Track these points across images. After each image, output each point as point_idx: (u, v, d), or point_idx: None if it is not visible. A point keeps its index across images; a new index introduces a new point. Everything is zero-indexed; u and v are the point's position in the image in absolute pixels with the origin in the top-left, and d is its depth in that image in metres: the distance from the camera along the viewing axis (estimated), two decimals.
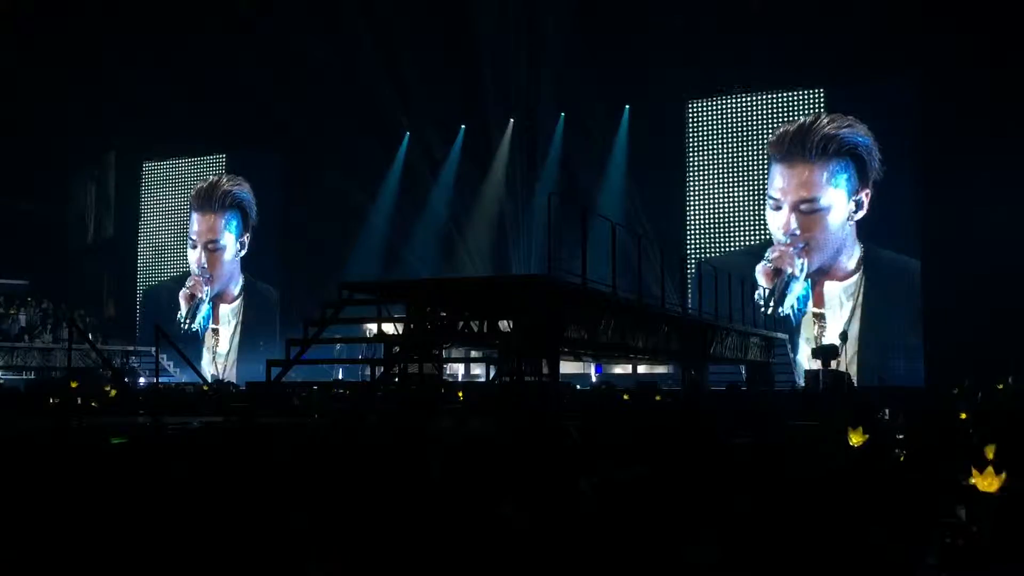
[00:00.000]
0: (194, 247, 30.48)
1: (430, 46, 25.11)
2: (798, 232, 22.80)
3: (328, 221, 28.25)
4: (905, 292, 22.00)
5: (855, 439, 5.08)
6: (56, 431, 7.60)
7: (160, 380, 14.98)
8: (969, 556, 3.37)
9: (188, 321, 30.09)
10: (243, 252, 29.98)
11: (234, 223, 30.00)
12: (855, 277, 22.61)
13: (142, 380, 23.86)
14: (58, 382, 18.93)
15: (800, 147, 22.84)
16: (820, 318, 22.78)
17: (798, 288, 22.89)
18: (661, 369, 21.88)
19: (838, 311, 22.60)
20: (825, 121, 22.77)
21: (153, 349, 17.70)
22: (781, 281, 22.91)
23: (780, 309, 22.87)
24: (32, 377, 24.51)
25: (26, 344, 25.91)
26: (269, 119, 26.64)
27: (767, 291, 22.95)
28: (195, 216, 30.51)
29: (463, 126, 27.99)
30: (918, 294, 21.87)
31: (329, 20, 25.15)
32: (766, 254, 23.16)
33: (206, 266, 30.24)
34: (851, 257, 22.66)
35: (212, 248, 30.21)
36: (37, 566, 3.15)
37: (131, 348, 27.75)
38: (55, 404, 13.43)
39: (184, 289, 30.36)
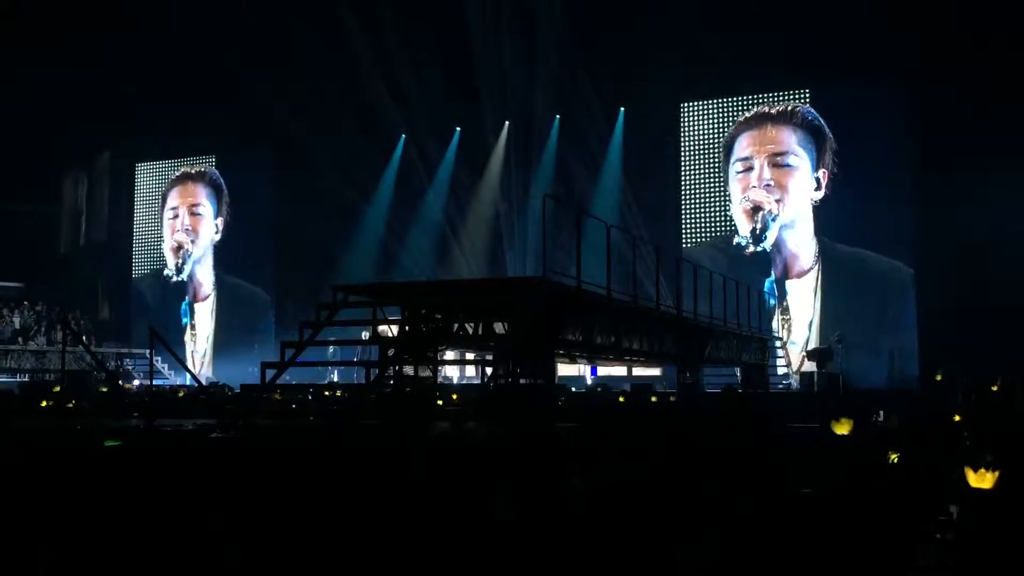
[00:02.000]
0: (175, 217, 30.77)
1: (425, 48, 25.12)
2: (772, 183, 23.36)
3: (323, 223, 28.22)
4: (860, 286, 22.25)
5: (840, 429, 5.13)
6: (51, 434, 7.59)
7: (154, 382, 14.95)
8: (961, 554, 3.37)
9: (176, 273, 30.49)
10: (218, 237, 30.10)
11: (212, 201, 30.38)
12: (813, 272, 23.00)
13: (136, 382, 23.83)
14: (51, 385, 18.89)
15: (767, 116, 23.69)
16: (785, 312, 23.03)
17: (776, 227, 23.33)
18: (656, 371, 21.89)
19: (801, 308, 22.85)
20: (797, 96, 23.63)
21: (147, 351, 17.67)
22: (761, 219, 23.38)
23: (762, 245, 23.32)
24: (26, 379, 24.46)
25: (20, 346, 25.85)
26: (263, 120, 26.61)
27: (749, 230, 23.37)
28: (174, 191, 30.87)
29: (458, 128, 27.99)
30: (911, 295, 21.92)
31: (324, 21, 25.12)
32: (744, 195, 23.68)
33: (190, 227, 30.53)
34: (809, 251, 23.11)
35: (194, 212, 30.56)
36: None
37: (125, 350, 27.69)
38: (48, 406, 13.40)
39: (171, 242, 30.71)
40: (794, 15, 21.69)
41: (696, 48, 22.91)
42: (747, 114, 24.02)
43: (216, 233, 30.22)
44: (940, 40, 20.12)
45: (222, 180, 30.31)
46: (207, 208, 30.38)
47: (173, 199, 30.92)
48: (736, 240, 23.61)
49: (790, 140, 23.33)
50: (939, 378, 16.14)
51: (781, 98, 23.70)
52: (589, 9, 24.08)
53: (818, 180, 22.95)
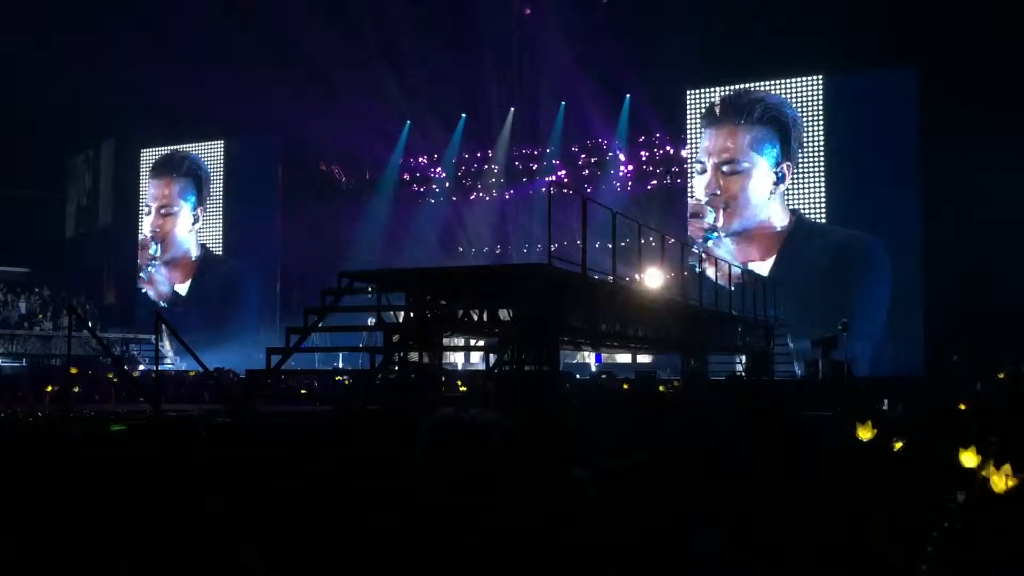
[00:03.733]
0: (148, 213, 30.98)
1: (431, 33, 25.04)
2: (719, 192, 23.58)
3: (328, 209, 28.22)
4: (864, 271, 22.27)
5: (864, 434, 5.07)
6: (58, 419, 7.61)
7: (160, 367, 14.99)
8: (968, 543, 3.37)
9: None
10: (198, 225, 30.23)
11: (192, 195, 30.46)
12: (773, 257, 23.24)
13: (141, 367, 23.90)
14: (58, 369, 18.95)
15: (730, 110, 23.74)
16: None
17: (721, 238, 23.61)
18: (661, 358, 21.87)
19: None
20: (762, 90, 23.54)
21: (153, 336, 17.71)
22: (705, 227, 23.82)
23: (715, 245, 23.47)
24: (24, 364, 24.54)
25: (26, 331, 25.92)
26: (269, 106, 26.57)
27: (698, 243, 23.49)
28: (151, 183, 30.99)
29: (464, 115, 27.93)
30: (917, 281, 21.86)
31: (330, 6, 25.05)
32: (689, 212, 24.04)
33: (157, 230, 30.77)
34: (780, 224, 23.27)
35: (165, 213, 30.70)
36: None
37: (131, 335, 27.76)
38: (55, 391, 13.45)
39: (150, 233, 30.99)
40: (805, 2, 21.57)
41: (705, 34, 22.78)
42: (706, 106, 24.11)
43: (195, 223, 30.29)
44: (950, 26, 19.99)
45: (200, 165, 30.27)
46: (182, 206, 30.56)
47: (151, 188, 31.11)
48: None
49: (743, 143, 23.42)
50: (956, 358, 15.98)
51: (791, 86, 23.56)
52: None
53: (779, 174, 23.10)
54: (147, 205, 31.05)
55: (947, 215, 20.73)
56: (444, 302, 10.40)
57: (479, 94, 26.67)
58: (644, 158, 26.64)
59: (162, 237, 30.74)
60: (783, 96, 23.34)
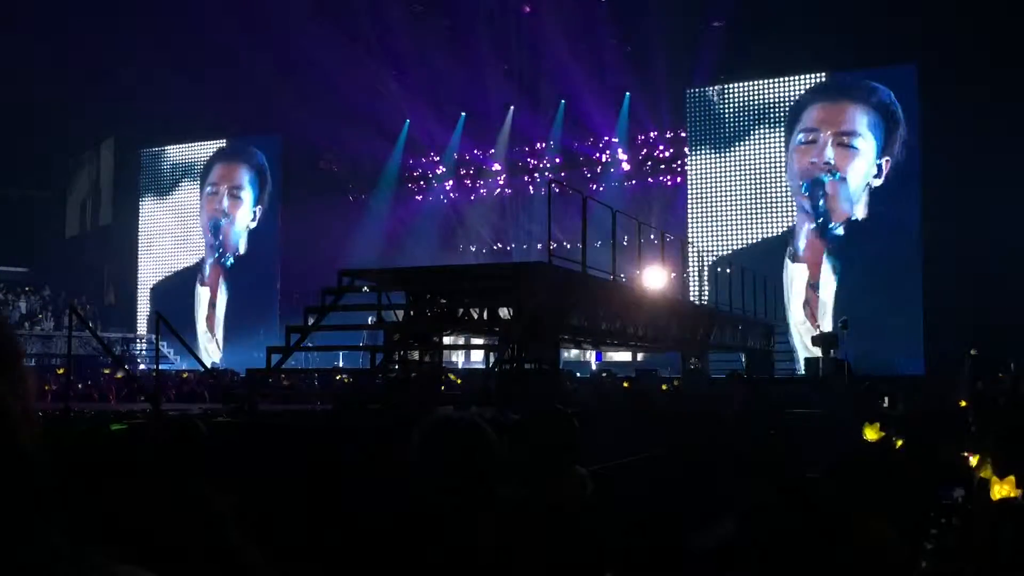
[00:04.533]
0: (214, 193, 29.85)
1: (431, 32, 25.04)
2: (832, 162, 22.45)
3: (327, 207, 28.21)
4: (865, 269, 21.98)
5: (870, 435, 5.07)
6: (56, 419, 7.61)
7: (160, 367, 14.98)
8: (966, 539, 3.37)
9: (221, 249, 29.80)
10: (254, 224, 29.57)
11: (254, 186, 29.55)
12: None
13: (142, 367, 23.91)
14: (55, 369, 18.96)
15: (842, 87, 22.71)
16: (814, 289, 22.79)
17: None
18: (662, 356, 21.86)
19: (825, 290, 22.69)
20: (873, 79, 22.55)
21: (153, 336, 17.71)
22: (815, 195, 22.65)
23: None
24: (32, 364, 24.54)
25: (26, 331, 25.94)
26: (268, 104, 26.58)
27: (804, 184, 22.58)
28: (216, 166, 30.02)
29: (463, 113, 27.92)
30: (919, 279, 21.84)
31: (328, 4, 25.04)
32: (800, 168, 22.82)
33: (227, 210, 29.60)
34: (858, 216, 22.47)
35: (235, 194, 29.79)
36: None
37: (132, 335, 27.77)
38: (52, 391, 13.45)
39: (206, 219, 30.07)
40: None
41: (705, 32, 22.77)
42: (817, 82, 23.18)
43: (252, 221, 29.51)
44: (946, 23, 19.98)
45: (267, 164, 29.31)
46: (247, 194, 29.65)
47: (215, 172, 30.10)
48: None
49: (860, 120, 22.33)
50: (973, 353, 15.77)
51: (791, 84, 23.52)
52: None
53: (879, 167, 22.16)
54: (210, 184, 29.94)
55: (947, 212, 20.71)
56: (444, 301, 10.40)
57: (479, 92, 26.66)
58: (643, 156, 26.65)
59: (232, 218, 29.60)
60: (892, 93, 22.19)
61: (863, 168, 22.41)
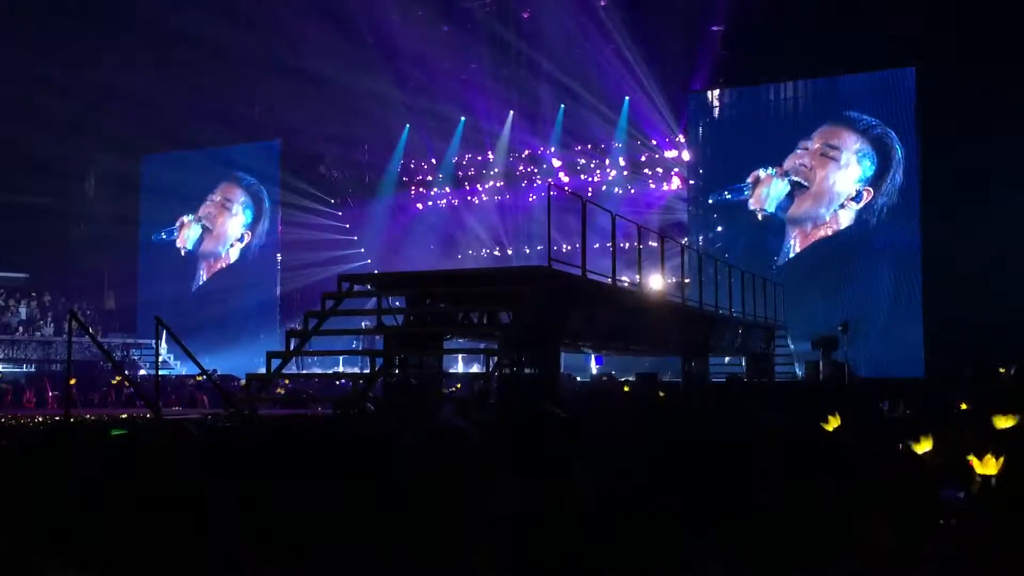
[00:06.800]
0: (212, 201, 30.47)
1: (429, 36, 25.08)
2: (808, 165, 23.18)
3: (327, 212, 28.22)
4: (864, 272, 22.26)
5: (831, 426, 5.13)
6: (60, 424, 7.62)
7: (160, 372, 14.96)
8: (966, 539, 3.37)
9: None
10: (241, 244, 29.85)
11: (250, 210, 29.95)
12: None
13: (142, 372, 23.91)
14: (58, 375, 18.96)
15: (846, 117, 23.21)
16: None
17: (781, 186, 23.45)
18: (662, 360, 21.83)
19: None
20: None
21: (153, 341, 17.72)
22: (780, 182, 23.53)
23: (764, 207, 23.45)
24: (32, 370, 24.56)
25: (26, 337, 25.94)
26: (268, 110, 26.61)
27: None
28: (215, 175, 30.56)
29: (463, 118, 27.95)
30: (918, 281, 21.84)
31: (328, 9, 25.07)
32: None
33: (222, 217, 30.24)
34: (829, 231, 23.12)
35: (225, 205, 30.30)
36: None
37: (131, 340, 27.76)
38: (55, 396, 13.45)
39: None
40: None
41: (705, 36, 22.80)
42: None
43: (239, 240, 29.96)
44: (949, 25, 20.01)
45: (266, 198, 29.74)
46: (239, 209, 30.16)
47: (212, 184, 30.81)
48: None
49: (849, 141, 22.97)
50: (967, 372, 15.78)
51: (791, 87, 23.56)
52: None
53: (859, 192, 22.67)
54: (209, 193, 30.62)
55: (946, 215, 20.72)
56: (444, 305, 10.40)
57: (478, 96, 26.70)
58: (643, 160, 26.67)
59: (211, 222, 30.27)
60: (896, 136, 22.58)
61: (842, 181, 22.91)
